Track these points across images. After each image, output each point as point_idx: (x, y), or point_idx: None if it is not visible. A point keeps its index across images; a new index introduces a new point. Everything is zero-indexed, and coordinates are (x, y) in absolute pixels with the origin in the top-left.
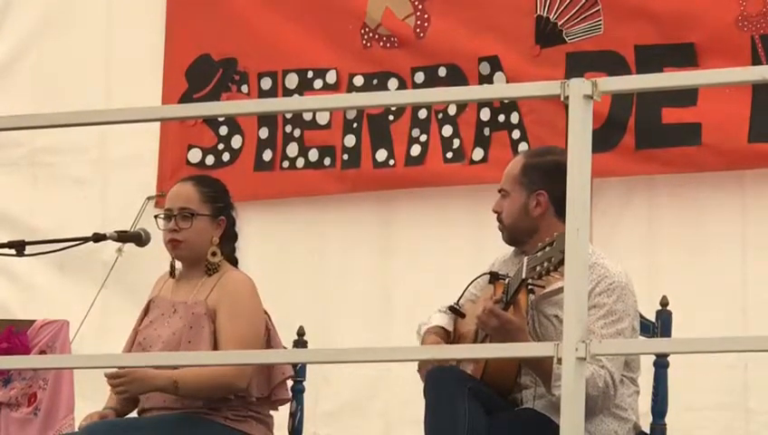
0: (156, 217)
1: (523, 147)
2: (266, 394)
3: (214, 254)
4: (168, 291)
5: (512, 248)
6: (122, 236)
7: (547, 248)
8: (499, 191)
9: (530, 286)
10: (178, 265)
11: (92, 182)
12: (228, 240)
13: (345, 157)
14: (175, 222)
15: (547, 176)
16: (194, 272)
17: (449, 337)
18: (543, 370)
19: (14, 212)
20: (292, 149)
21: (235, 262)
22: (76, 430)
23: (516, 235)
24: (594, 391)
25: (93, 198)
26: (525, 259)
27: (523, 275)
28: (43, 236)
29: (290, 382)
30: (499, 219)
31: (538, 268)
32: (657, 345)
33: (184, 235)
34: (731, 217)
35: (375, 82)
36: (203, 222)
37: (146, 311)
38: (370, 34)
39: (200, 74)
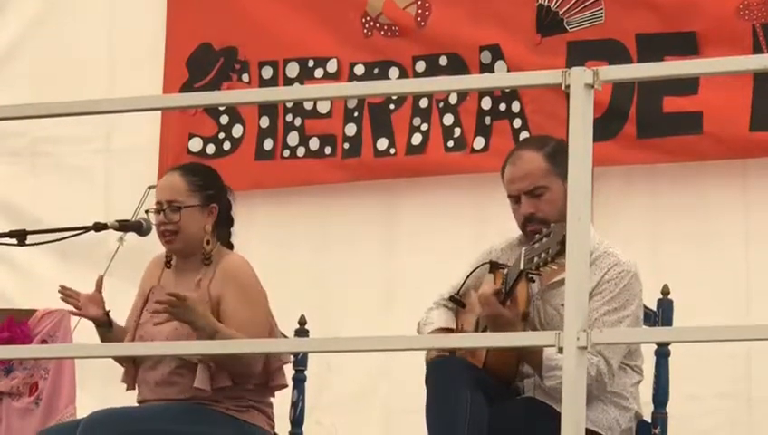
0: (147, 211)
1: (524, 136)
2: (263, 381)
3: (208, 242)
4: (168, 282)
5: (511, 235)
6: (123, 226)
7: (544, 239)
8: (528, 193)
9: (530, 276)
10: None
11: (94, 172)
12: (223, 226)
13: (346, 146)
14: (164, 215)
15: (567, 157)
16: (191, 263)
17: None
18: (535, 361)
19: (15, 202)
20: (293, 138)
21: (230, 248)
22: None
23: None
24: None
25: (96, 187)
26: (522, 250)
27: (521, 267)
28: (46, 226)
29: (291, 371)
30: (532, 219)
31: (536, 259)
32: (659, 334)
33: (175, 226)
34: (733, 206)
35: (376, 70)
36: (193, 212)
37: (144, 301)
38: (371, 23)
39: (201, 64)
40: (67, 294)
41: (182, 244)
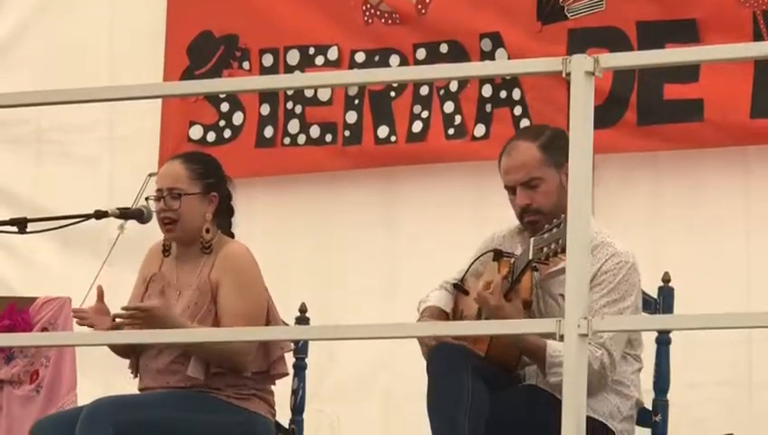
0: (147, 198)
1: (524, 123)
2: (265, 369)
3: (207, 231)
4: (169, 271)
5: (511, 224)
6: (124, 213)
7: (554, 230)
8: (524, 184)
9: (534, 265)
10: (174, 245)
11: (96, 159)
12: (223, 215)
13: (347, 133)
14: (164, 202)
15: (563, 148)
16: (191, 252)
17: (447, 318)
18: (538, 357)
19: (18, 190)
20: (294, 126)
21: (231, 237)
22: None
23: (554, 217)
24: (588, 372)
25: (97, 174)
26: (532, 240)
27: (530, 257)
28: (48, 213)
29: (292, 359)
30: (528, 210)
31: (545, 250)
32: (660, 321)
33: (175, 214)
34: (734, 193)
35: (377, 58)
36: (193, 200)
37: (145, 288)
38: (372, 11)
39: (202, 51)
40: (81, 316)
41: (182, 232)
